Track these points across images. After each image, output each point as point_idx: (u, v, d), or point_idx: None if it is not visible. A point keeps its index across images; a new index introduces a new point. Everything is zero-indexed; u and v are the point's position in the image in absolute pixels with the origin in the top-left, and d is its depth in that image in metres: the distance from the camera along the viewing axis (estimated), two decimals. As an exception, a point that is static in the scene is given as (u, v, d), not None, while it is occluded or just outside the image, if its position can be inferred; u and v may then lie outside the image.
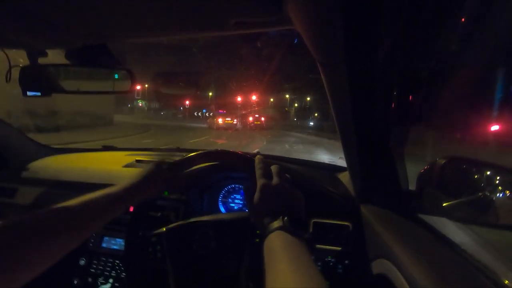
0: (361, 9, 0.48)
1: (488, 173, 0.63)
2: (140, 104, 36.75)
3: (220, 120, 20.11)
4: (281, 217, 0.49)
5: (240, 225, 0.68)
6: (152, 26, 0.70)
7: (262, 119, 22.11)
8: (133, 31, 0.73)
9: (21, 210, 1.17)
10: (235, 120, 21.19)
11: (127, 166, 1.24)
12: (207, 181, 1.07)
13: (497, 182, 0.61)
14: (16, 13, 0.57)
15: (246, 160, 0.74)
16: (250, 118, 22.80)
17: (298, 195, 0.57)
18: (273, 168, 0.61)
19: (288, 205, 0.53)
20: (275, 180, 0.58)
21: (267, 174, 0.60)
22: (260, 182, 0.58)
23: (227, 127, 19.05)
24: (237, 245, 0.66)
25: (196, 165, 0.81)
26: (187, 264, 0.66)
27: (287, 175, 0.61)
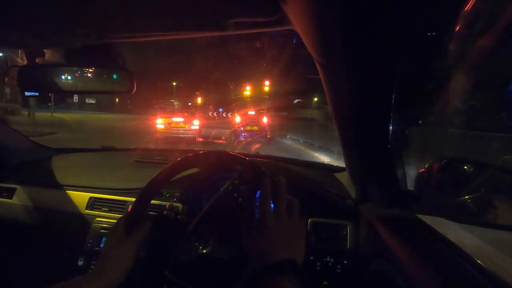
0: (359, 8, 0.48)
1: (487, 173, 0.63)
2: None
3: (159, 123, 8.97)
4: (282, 263, 0.48)
5: (225, 202, 0.64)
6: (151, 26, 0.70)
7: (264, 120, 10.66)
8: (132, 31, 0.73)
9: (20, 211, 1.17)
10: (194, 122, 9.27)
11: (125, 166, 1.24)
12: (206, 181, 1.07)
13: (496, 182, 0.61)
14: (15, 13, 0.57)
15: (249, 167, 0.66)
16: (237, 119, 11.11)
17: (302, 236, 0.54)
18: (288, 199, 0.55)
19: (291, 250, 0.51)
20: (285, 218, 0.53)
21: (279, 206, 0.54)
22: (270, 217, 0.52)
23: (177, 138, 8.67)
24: (232, 227, 0.61)
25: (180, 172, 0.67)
26: (200, 272, 0.64)
27: (295, 200, 0.57)
